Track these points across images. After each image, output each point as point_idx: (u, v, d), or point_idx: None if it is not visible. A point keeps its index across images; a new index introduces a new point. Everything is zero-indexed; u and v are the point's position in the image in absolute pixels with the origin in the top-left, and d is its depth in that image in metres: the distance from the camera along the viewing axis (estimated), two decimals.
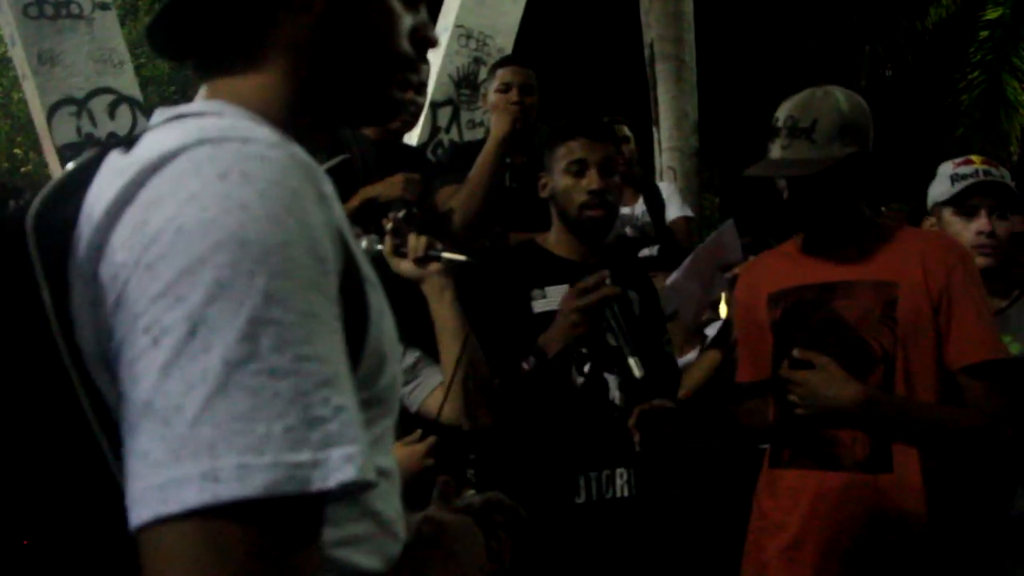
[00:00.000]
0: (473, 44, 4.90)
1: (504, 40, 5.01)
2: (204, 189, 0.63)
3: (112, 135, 4.81)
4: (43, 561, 0.68)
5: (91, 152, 0.74)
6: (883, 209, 3.83)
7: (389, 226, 1.85)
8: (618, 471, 2.01)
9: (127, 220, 0.64)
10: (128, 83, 5.04)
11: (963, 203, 2.31)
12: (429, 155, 4.19)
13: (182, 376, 0.58)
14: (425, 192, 2.86)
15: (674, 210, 4.02)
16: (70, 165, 0.75)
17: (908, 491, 1.84)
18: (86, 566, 0.66)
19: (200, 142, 0.66)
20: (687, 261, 2.01)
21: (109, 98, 4.91)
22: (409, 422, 1.87)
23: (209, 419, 0.57)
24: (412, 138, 4.11)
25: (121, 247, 0.64)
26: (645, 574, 2.00)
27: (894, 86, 11.25)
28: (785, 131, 1.94)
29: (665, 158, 6.82)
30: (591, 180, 2.05)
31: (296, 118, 0.81)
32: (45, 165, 6.04)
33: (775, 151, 1.96)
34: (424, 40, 0.87)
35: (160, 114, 0.77)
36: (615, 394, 2.04)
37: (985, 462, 2.05)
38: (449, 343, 1.82)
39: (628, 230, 3.66)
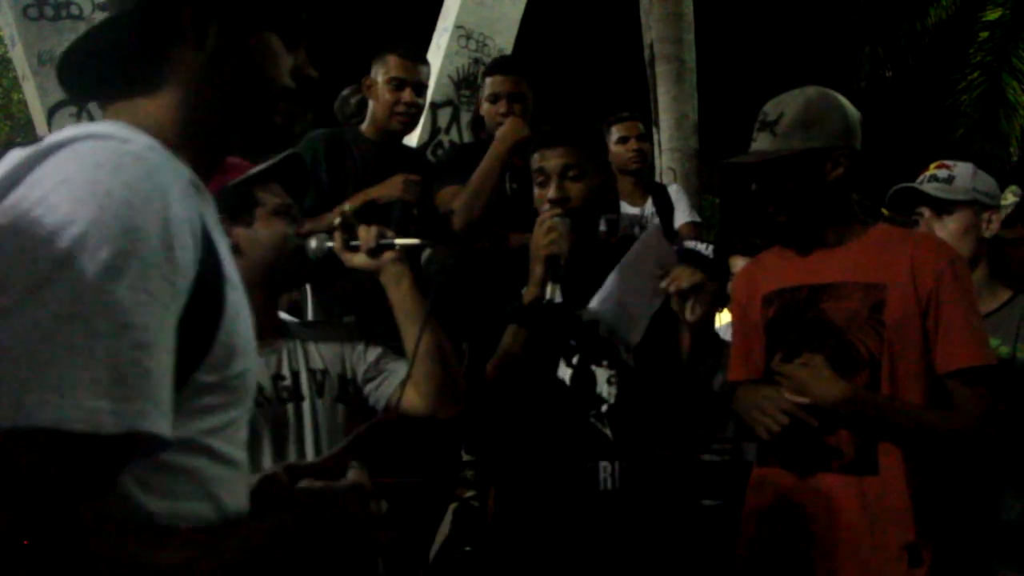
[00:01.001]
0: (473, 45, 4.89)
1: (504, 40, 5.00)
2: (78, 174, 0.75)
3: None
4: None
5: None
6: (884, 212, 3.82)
7: (337, 221, 1.80)
8: (601, 464, 1.99)
9: (13, 195, 0.75)
10: None
11: (905, 211, 2.37)
12: (429, 156, 4.19)
13: (16, 322, 0.69)
14: (425, 193, 2.86)
15: (682, 215, 3.99)
16: None
17: (893, 493, 1.84)
18: None
19: (86, 137, 0.78)
20: (611, 279, 1.96)
21: None
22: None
23: (28, 362, 0.68)
24: (412, 139, 4.11)
25: (2, 215, 0.74)
26: (634, 570, 2.00)
27: (894, 87, 11.24)
28: (757, 125, 1.98)
29: (665, 159, 6.82)
30: (550, 190, 2.06)
31: (186, 140, 0.92)
32: None
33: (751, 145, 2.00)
34: (305, 77, 1.02)
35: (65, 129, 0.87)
36: (603, 388, 2.04)
37: (971, 465, 2.05)
38: (411, 330, 1.76)
39: (636, 230, 3.64)
